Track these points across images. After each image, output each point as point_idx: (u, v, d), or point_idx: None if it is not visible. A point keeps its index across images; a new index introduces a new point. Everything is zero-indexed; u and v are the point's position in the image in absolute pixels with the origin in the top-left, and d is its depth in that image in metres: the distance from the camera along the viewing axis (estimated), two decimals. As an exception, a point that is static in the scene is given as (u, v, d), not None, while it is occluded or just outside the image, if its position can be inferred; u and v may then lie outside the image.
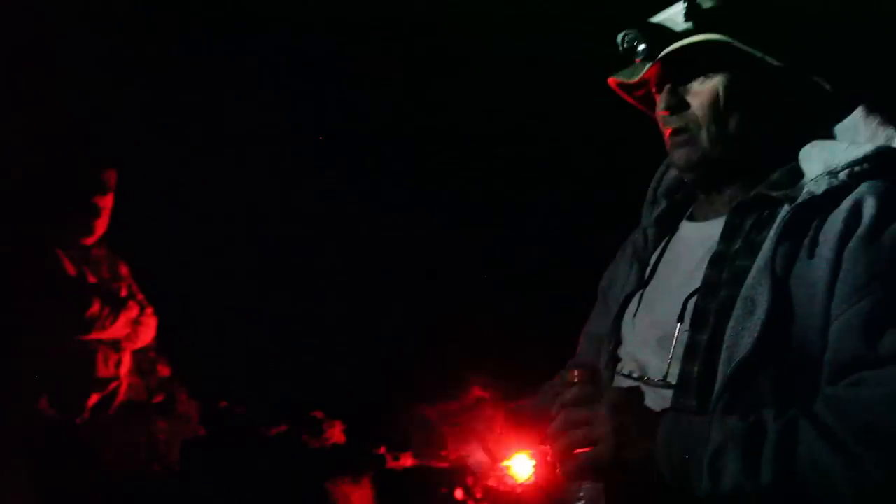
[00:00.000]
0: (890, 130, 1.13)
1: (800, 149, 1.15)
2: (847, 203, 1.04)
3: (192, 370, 3.23)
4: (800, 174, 1.13)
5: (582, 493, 1.04)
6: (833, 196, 1.05)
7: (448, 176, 3.37)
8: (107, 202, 2.74)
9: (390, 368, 3.41)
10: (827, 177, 1.06)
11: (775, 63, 1.15)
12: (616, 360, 1.27)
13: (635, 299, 1.29)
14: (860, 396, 0.94)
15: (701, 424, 0.99)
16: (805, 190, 1.08)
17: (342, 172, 3.38)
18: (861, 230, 1.01)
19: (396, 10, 3.00)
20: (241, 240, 3.45)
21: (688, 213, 1.32)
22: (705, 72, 1.18)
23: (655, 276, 1.29)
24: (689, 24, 1.18)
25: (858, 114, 1.15)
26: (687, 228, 1.29)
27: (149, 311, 2.80)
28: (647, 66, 1.21)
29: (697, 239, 1.23)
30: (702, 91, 1.18)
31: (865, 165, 1.06)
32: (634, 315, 1.27)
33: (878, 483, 0.90)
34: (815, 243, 1.04)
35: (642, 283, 1.30)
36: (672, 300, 1.18)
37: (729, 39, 1.14)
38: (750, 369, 1.01)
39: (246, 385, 3.44)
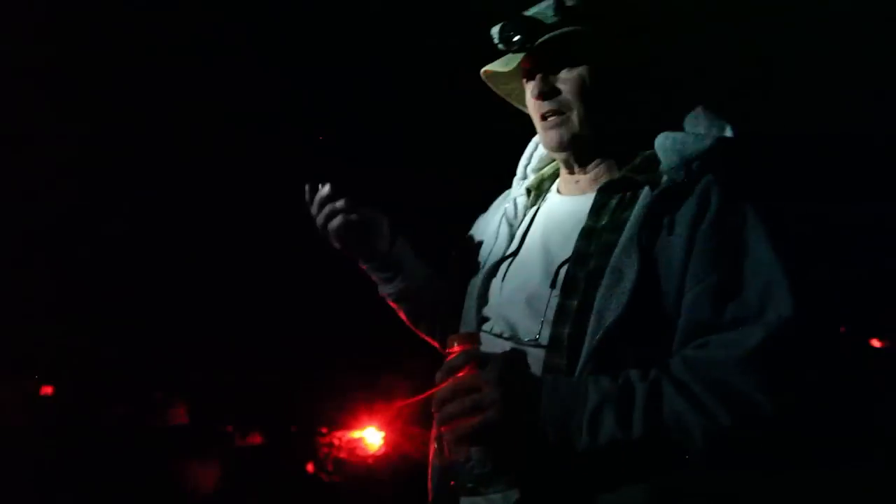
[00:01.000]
0: (722, 122, 1.30)
1: (654, 137, 1.30)
2: (698, 190, 1.20)
3: (9, 352, 2.96)
4: (656, 161, 1.28)
5: (471, 457, 1.08)
6: (689, 183, 1.22)
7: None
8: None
9: (235, 347, 3.31)
10: (684, 167, 1.23)
11: (633, 55, 1.31)
12: (483, 318, 1.36)
13: (504, 264, 1.38)
14: (708, 357, 1.10)
15: (578, 386, 1.10)
16: (666, 178, 1.23)
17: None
18: (709, 216, 1.17)
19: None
20: (78, 210, 3.18)
21: (555, 188, 1.43)
22: (572, 62, 1.30)
23: (524, 244, 1.39)
24: (557, 18, 1.29)
25: (700, 108, 1.33)
26: (555, 202, 1.40)
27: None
28: (521, 56, 1.30)
29: (566, 212, 1.34)
30: (570, 78, 1.30)
31: (711, 156, 1.23)
32: (503, 278, 1.36)
33: (724, 428, 1.06)
34: (673, 223, 1.19)
35: (511, 250, 1.40)
36: (543, 267, 1.29)
37: (597, 31, 1.28)
38: (617, 332, 1.14)
39: (75, 367, 3.20)
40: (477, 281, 1.39)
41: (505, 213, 1.46)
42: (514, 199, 1.47)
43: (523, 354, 1.14)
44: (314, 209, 1.40)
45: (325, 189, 1.38)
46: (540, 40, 1.27)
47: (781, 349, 1.09)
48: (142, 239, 3.20)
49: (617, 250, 1.19)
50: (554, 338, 1.20)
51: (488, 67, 1.37)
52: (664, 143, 1.27)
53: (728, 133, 1.27)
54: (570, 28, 1.27)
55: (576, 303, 1.19)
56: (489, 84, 1.44)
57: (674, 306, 1.15)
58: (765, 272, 1.13)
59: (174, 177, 3.22)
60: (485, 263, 1.41)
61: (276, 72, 3.07)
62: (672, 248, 1.16)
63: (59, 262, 3.07)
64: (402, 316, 1.53)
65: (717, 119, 1.30)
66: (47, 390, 3.26)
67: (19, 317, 3.01)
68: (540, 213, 1.41)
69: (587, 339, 1.15)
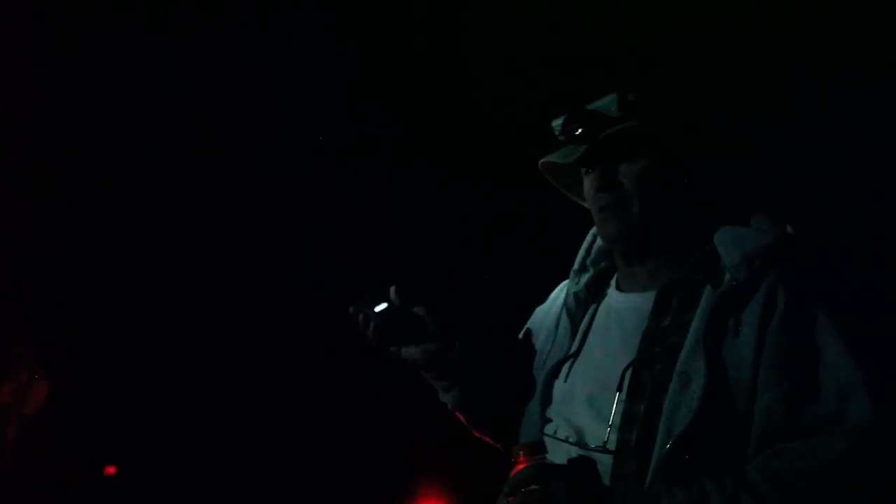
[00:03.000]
0: (782, 220, 1.28)
1: (714, 230, 1.28)
2: (763, 289, 1.17)
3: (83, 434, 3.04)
4: (717, 256, 1.25)
5: None
6: (752, 282, 1.18)
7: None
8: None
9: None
10: (746, 265, 1.20)
11: (694, 150, 1.31)
12: (546, 420, 1.33)
13: (566, 364, 1.36)
14: (788, 468, 1.06)
15: (651, 498, 1.06)
16: (729, 276, 1.21)
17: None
18: (777, 317, 1.14)
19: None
20: (137, 299, 3.26)
21: (614, 283, 1.41)
22: (633, 156, 1.29)
23: (587, 344, 1.36)
24: (621, 113, 1.29)
25: (763, 206, 1.31)
26: (615, 299, 1.38)
27: (41, 373, 2.61)
28: (583, 148, 1.30)
29: (627, 311, 1.32)
30: (631, 172, 1.29)
31: (774, 253, 1.21)
32: (566, 379, 1.34)
33: None
34: (738, 323, 1.16)
35: (573, 349, 1.37)
36: (606, 369, 1.26)
37: (657, 126, 1.28)
38: (688, 439, 1.10)
39: (139, 448, 3.24)
40: (539, 381, 1.37)
41: (565, 308, 1.44)
42: (574, 294, 1.45)
43: (591, 462, 1.11)
44: (359, 324, 1.38)
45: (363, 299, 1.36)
46: (603, 134, 1.27)
47: (865, 458, 1.05)
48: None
49: (683, 354, 1.16)
50: (621, 443, 1.17)
51: (547, 158, 1.37)
52: (724, 239, 1.25)
53: (789, 230, 1.25)
54: (633, 123, 1.27)
55: (643, 407, 1.16)
56: (546, 175, 1.44)
57: (745, 411, 1.11)
58: (841, 375, 1.09)
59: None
60: (546, 362, 1.39)
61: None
62: (740, 351, 1.13)
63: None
64: (464, 421, 1.50)
65: (779, 215, 1.28)
66: (110, 471, 3.31)
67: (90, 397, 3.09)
68: (600, 311, 1.39)
69: (657, 445, 1.12)
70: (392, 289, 1.39)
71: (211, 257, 3.13)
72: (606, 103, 1.31)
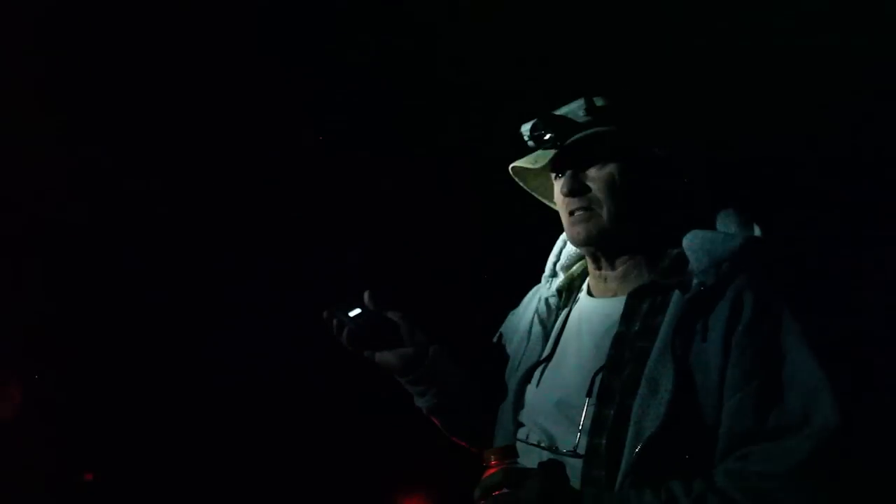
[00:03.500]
0: (750, 221, 1.29)
1: (683, 234, 1.29)
2: (730, 293, 1.18)
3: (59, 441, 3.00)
4: (685, 261, 1.27)
5: None
6: (720, 286, 1.20)
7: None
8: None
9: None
10: (714, 269, 1.21)
11: (661, 153, 1.32)
12: (519, 425, 1.34)
13: (538, 369, 1.37)
14: (754, 470, 1.07)
15: (620, 500, 1.08)
16: (696, 281, 1.22)
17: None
18: (743, 321, 1.15)
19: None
20: (125, 309, 3.21)
21: (585, 288, 1.42)
22: (601, 160, 1.30)
23: (558, 349, 1.37)
24: (589, 118, 1.30)
25: (730, 206, 1.33)
26: (586, 304, 1.39)
27: (13, 382, 2.58)
28: (552, 153, 1.31)
29: (598, 316, 1.33)
30: (600, 176, 1.30)
31: (742, 257, 1.22)
32: (538, 384, 1.35)
33: None
34: (706, 328, 1.17)
35: (545, 354, 1.38)
36: (577, 374, 1.27)
37: (625, 130, 1.29)
38: (656, 443, 1.11)
39: (122, 454, 3.21)
40: (512, 386, 1.38)
41: (537, 313, 1.45)
42: (546, 300, 1.46)
43: (562, 466, 1.12)
44: (333, 329, 1.39)
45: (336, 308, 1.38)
46: (571, 139, 1.28)
47: (830, 460, 1.06)
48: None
49: (651, 359, 1.17)
50: (591, 448, 1.18)
51: (517, 163, 1.38)
52: (692, 243, 1.26)
53: (756, 232, 1.26)
54: (600, 127, 1.28)
55: (612, 412, 1.17)
56: (516, 179, 1.45)
57: (713, 415, 1.12)
58: (805, 378, 1.11)
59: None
60: (519, 367, 1.40)
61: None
62: (707, 356, 1.15)
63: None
64: (438, 424, 1.51)
65: (746, 217, 1.30)
66: (88, 476, 3.29)
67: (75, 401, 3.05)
68: (572, 316, 1.40)
69: (626, 450, 1.14)
70: (366, 294, 1.41)
71: (187, 266, 3.11)
72: (574, 108, 1.32)
